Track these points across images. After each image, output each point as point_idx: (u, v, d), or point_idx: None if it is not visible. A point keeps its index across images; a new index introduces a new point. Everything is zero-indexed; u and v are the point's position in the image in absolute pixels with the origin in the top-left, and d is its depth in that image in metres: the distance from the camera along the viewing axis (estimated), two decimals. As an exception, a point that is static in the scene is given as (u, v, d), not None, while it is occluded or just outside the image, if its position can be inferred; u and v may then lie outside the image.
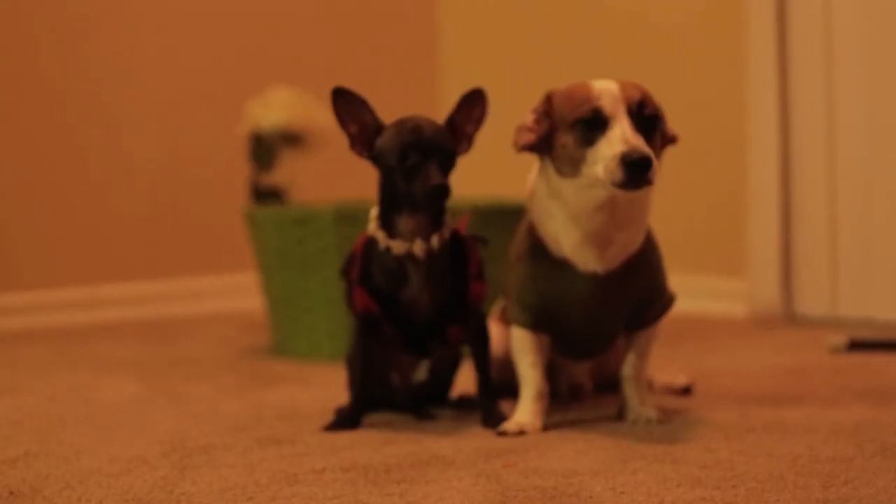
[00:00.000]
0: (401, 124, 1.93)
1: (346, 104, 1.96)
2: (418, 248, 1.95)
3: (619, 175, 1.79)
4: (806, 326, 3.13)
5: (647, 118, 1.85)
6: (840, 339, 2.72)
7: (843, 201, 3.16)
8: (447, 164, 1.92)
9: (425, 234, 1.96)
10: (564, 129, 1.87)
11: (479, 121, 1.98)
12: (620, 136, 1.81)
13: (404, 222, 1.95)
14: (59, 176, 3.56)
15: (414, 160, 1.89)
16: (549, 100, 1.92)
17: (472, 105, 1.98)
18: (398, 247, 1.96)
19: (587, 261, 1.93)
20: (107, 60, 3.63)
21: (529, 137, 1.91)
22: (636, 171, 1.78)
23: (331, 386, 2.36)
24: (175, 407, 2.24)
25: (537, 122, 1.90)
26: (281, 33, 3.91)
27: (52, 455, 1.85)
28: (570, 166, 1.87)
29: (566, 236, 1.93)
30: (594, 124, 1.83)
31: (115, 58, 3.64)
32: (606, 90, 1.85)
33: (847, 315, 3.14)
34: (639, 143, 1.80)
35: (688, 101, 3.28)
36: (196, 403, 2.27)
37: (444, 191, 1.87)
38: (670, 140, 1.94)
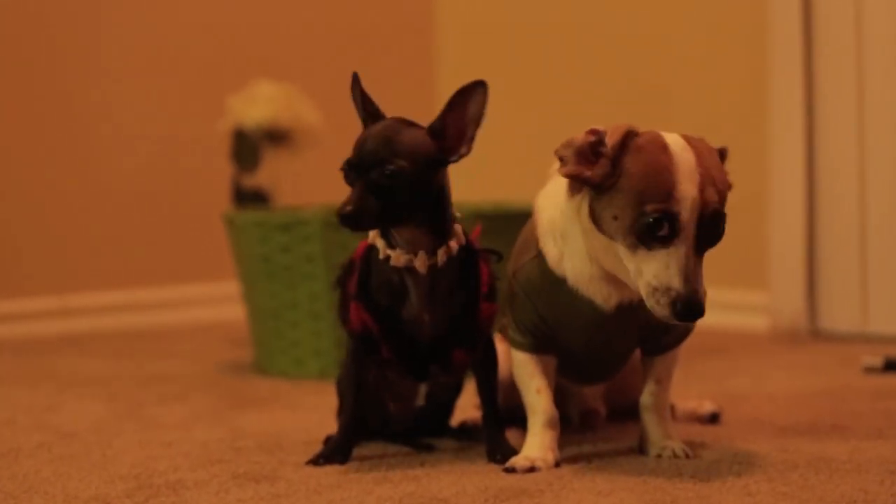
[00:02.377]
0: (363, 131, 1.77)
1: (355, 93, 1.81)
2: (420, 262, 1.77)
3: (662, 311, 1.61)
4: (833, 343, 3.05)
5: (715, 223, 1.64)
6: (874, 358, 2.61)
7: (873, 206, 3.08)
8: (388, 184, 1.71)
9: (428, 246, 1.78)
10: (623, 200, 1.63)
11: (477, 119, 1.76)
12: (681, 268, 1.60)
13: (398, 232, 1.78)
14: (24, 177, 3.54)
15: (350, 178, 1.73)
16: (624, 143, 1.64)
17: (467, 102, 1.76)
18: (398, 258, 1.78)
19: (597, 295, 1.75)
20: (79, 55, 3.59)
21: (582, 172, 1.65)
22: (682, 317, 1.60)
23: (318, 410, 2.27)
24: (143, 434, 2.14)
25: (598, 157, 1.65)
26: (265, 22, 3.89)
27: (1, 492, 1.73)
28: (612, 234, 1.65)
29: (579, 268, 1.74)
30: (659, 226, 1.61)
31: (89, 51, 3.60)
32: (688, 193, 1.60)
33: (878, 331, 3.07)
34: (697, 281, 1.61)
35: (705, 102, 3.28)
36: (167, 430, 2.17)
37: (347, 221, 1.69)
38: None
